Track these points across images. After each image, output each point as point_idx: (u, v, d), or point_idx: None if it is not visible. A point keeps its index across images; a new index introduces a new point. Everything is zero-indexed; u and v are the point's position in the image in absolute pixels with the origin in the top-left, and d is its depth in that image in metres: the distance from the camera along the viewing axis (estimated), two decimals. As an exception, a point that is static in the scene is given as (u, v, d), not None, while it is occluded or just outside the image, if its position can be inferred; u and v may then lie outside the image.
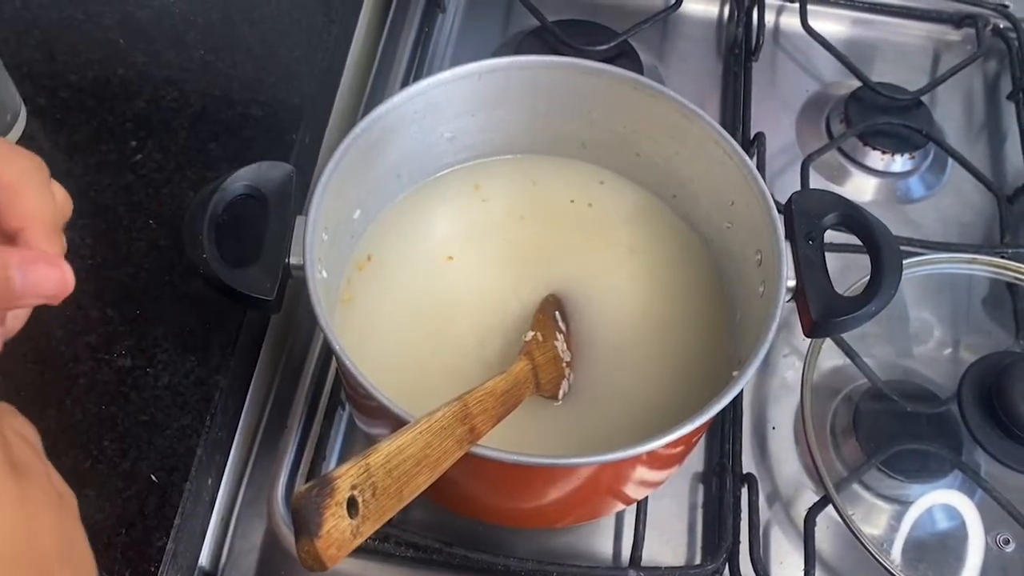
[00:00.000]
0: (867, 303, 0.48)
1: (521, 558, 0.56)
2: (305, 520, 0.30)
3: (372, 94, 0.79)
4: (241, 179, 0.49)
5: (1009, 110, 0.82)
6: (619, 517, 0.60)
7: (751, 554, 0.57)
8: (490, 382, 0.44)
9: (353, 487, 0.32)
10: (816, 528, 0.58)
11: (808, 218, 0.51)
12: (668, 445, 0.44)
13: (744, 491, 0.60)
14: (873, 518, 0.61)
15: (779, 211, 0.51)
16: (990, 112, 0.84)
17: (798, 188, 0.73)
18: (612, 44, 0.78)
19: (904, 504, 0.61)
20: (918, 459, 0.61)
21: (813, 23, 0.82)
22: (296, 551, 0.30)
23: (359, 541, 0.32)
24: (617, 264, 0.60)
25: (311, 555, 0.30)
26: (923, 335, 0.69)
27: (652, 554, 0.58)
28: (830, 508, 0.59)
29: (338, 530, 0.30)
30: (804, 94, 0.83)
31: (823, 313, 0.48)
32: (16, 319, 0.36)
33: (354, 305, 0.57)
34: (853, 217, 0.51)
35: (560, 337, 0.54)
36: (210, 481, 0.56)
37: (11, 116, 0.61)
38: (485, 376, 0.46)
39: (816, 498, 0.60)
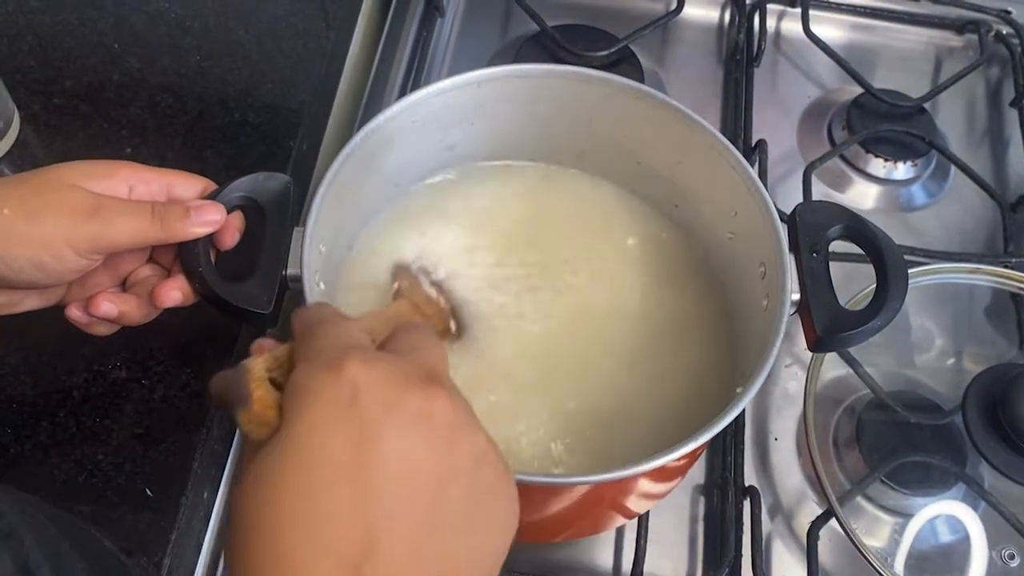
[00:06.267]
0: (872, 318, 0.47)
1: (522, 572, 0.56)
2: (236, 392, 0.32)
3: (370, 100, 0.78)
4: (238, 190, 0.49)
5: (1012, 117, 0.82)
6: (620, 530, 0.60)
7: (753, 568, 0.57)
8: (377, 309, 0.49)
9: (268, 370, 0.33)
10: (819, 541, 0.58)
11: (812, 230, 0.50)
12: (671, 461, 0.43)
13: (746, 504, 0.59)
14: (876, 531, 0.61)
15: (782, 222, 0.51)
16: (993, 119, 0.83)
17: (800, 196, 0.72)
18: (612, 50, 0.77)
19: (907, 516, 0.61)
20: (922, 471, 0.61)
21: (815, 29, 0.81)
22: (237, 422, 0.32)
23: None
24: (618, 275, 0.59)
25: (251, 421, 0.31)
26: (926, 345, 0.69)
27: (653, 568, 0.58)
28: (833, 521, 0.58)
29: (269, 396, 0.32)
30: (806, 100, 0.82)
31: (828, 328, 0.47)
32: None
33: (353, 315, 0.56)
34: (858, 230, 0.51)
35: (427, 284, 0.56)
36: (206, 495, 0.55)
37: (4, 123, 0.61)
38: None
39: (819, 511, 0.60)
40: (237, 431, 0.59)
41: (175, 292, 0.46)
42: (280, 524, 0.27)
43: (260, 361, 0.33)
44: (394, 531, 0.28)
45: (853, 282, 0.63)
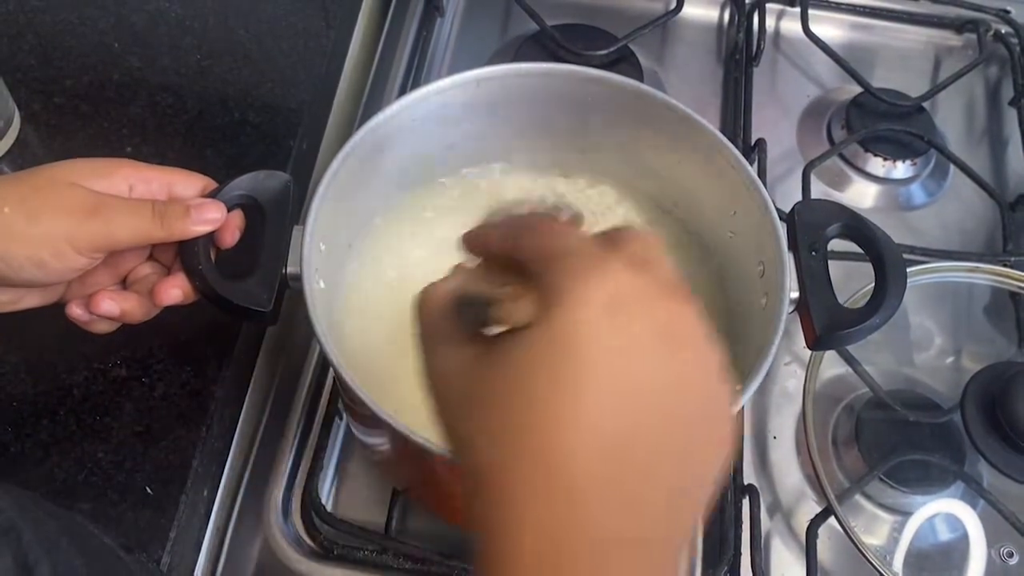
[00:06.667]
0: (871, 316, 0.47)
1: (520, 570, 0.56)
2: (482, 292, 0.32)
3: (370, 99, 0.78)
4: (238, 188, 0.49)
5: (1011, 116, 0.82)
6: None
7: (752, 566, 0.57)
8: None
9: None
10: (817, 539, 0.58)
11: (811, 229, 0.50)
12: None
13: (745, 502, 0.59)
14: (875, 529, 0.61)
15: (782, 221, 0.51)
16: (992, 118, 0.83)
17: (799, 195, 0.73)
18: (612, 49, 0.77)
19: (906, 515, 0.61)
20: (921, 469, 0.61)
21: (814, 28, 0.81)
22: (484, 315, 0.31)
23: None
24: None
25: (501, 312, 0.31)
26: (925, 343, 0.69)
27: (652, 566, 0.58)
28: (832, 519, 0.58)
29: (519, 290, 0.31)
30: (805, 100, 0.83)
31: (826, 326, 0.47)
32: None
33: (353, 314, 0.56)
34: (857, 228, 0.51)
35: None
36: (206, 492, 0.55)
37: (5, 122, 0.61)
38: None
39: (818, 509, 0.60)
40: (236, 429, 0.59)
41: (175, 290, 0.46)
42: (541, 412, 0.27)
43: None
44: (642, 446, 0.28)
45: (852, 281, 0.63)
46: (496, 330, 0.31)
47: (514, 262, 0.32)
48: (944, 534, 0.60)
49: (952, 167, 0.77)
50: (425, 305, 0.35)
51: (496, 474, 0.28)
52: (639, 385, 0.28)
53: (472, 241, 0.36)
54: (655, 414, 0.28)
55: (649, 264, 0.31)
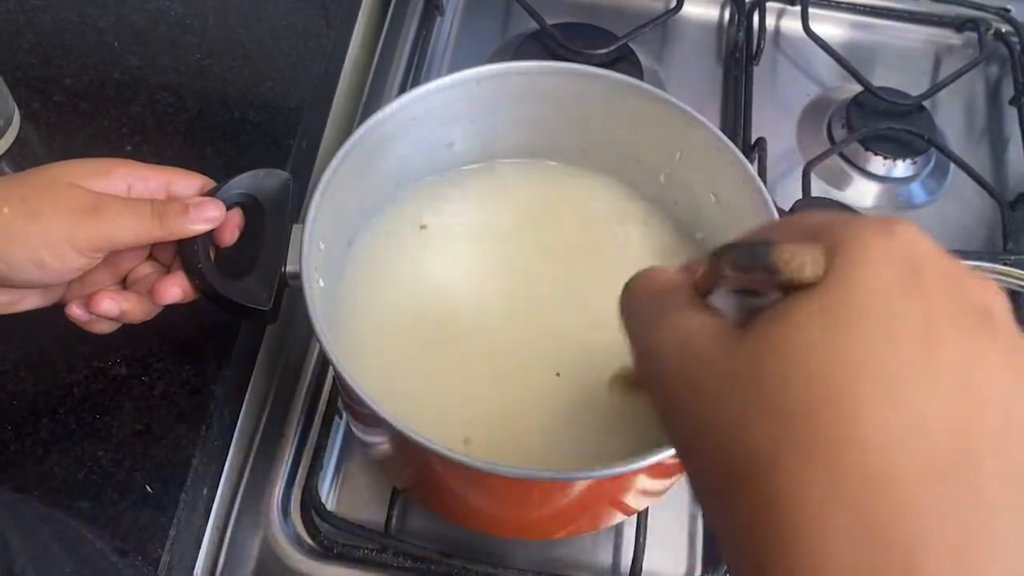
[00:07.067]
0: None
1: (521, 569, 0.56)
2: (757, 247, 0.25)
3: (370, 98, 0.78)
4: (237, 187, 0.49)
5: (1011, 115, 0.82)
6: (619, 527, 0.60)
7: (752, 565, 0.57)
8: None
9: None
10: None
11: (811, 227, 0.50)
12: (671, 457, 0.43)
13: (745, 501, 0.59)
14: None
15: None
16: (992, 117, 0.83)
17: (799, 193, 0.72)
18: (612, 48, 0.77)
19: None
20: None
21: (814, 27, 0.81)
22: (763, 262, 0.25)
23: None
24: (617, 271, 0.59)
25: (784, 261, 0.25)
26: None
27: (652, 565, 0.58)
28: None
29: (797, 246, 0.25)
30: (805, 99, 0.82)
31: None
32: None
33: (353, 314, 0.56)
34: (856, 226, 0.50)
35: None
36: (206, 491, 0.55)
37: (5, 121, 0.61)
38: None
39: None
40: (236, 427, 0.59)
41: (175, 289, 0.46)
42: (848, 394, 0.21)
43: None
44: (983, 458, 0.21)
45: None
46: (755, 302, 0.25)
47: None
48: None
49: (952, 166, 0.77)
50: (645, 278, 0.30)
51: (789, 466, 0.21)
52: (972, 373, 0.22)
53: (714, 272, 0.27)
54: (995, 414, 0.22)
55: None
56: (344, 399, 0.58)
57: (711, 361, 0.25)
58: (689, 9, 0.83)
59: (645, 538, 0.57)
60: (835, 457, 0.21)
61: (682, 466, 0.28)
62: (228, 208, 0.48)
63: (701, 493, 0.26)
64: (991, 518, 0.21)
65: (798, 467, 0.21)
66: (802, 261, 0.23)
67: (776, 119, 0.80)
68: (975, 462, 0.21)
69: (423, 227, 0.60)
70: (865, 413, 0.21)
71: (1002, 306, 0.24)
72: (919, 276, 0.23)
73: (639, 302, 0.29)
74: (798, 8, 0.83)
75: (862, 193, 0.77)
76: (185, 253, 0.46)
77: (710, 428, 0.24)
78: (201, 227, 0.45)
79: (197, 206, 0.45)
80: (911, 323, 0.22)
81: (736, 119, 0.78)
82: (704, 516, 0.26)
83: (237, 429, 0.59)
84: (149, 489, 0.51)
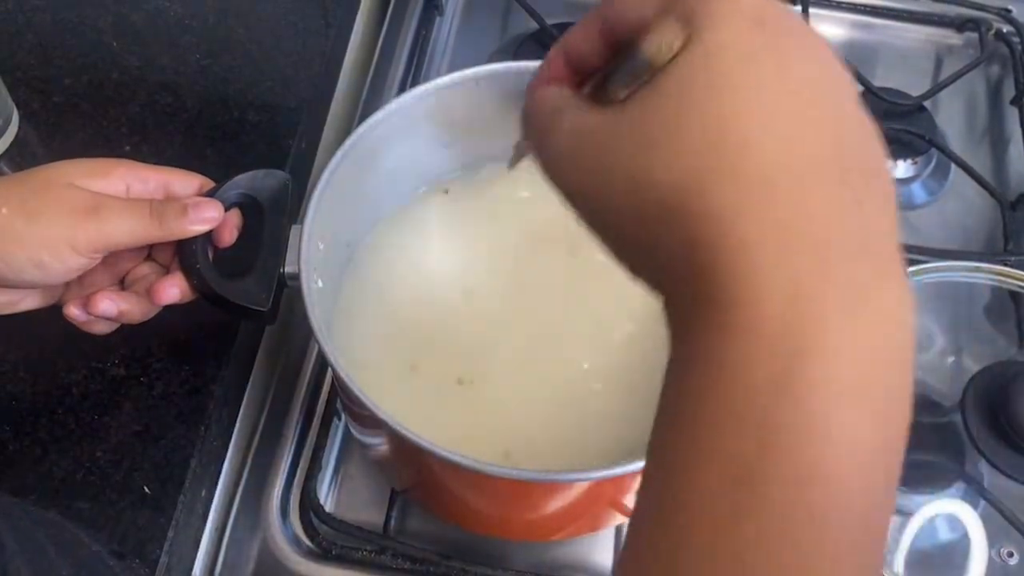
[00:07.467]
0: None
1: (520, 570, 0.56)
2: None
3: (369, 98, 0.78)
4: (236, 187, 0.49)
5: (1012, 115, 0.81)
6: (619, 529, 0.60)
7: (752, 566, 0.57)
8: None
9: None
10: (818, 540, 0.58)
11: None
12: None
13: (745, 502, 0.59)
14: (875, 529, 0.61)
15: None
16: (993, 117, 0.83)
17: (799, 194, 0.72)
18: (612, 48, 0.77)
19: (907, 515, 0.60)
20: (921, 470, 0.61)
21: (815, 27, 0.81)
22: (638, 50, 0.29)
23: None
24: (614, 272, 0.59)
25: (651, 44, 0.29)
26: (925, 343, 0.69)
27: (652, 566, 0.57)
28: (832, 519, 0.58)
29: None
30: (806, 99, 0.82)
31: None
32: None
33: (352, 314, 0.56)
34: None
35: None
36: (204, 492, 0.55)
37: (4, 121, 0.61)
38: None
39: (818, 509, 0.59)
40: (235, 428, 0.59)
41: (173, 289, 0.46)
42: (747, 125, 0.26)
43: None
44: (830, 140, 0.26)
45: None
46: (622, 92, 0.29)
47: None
48: (945, 534, 0.60)
49: (953, 166, 0.77)
50: (536, 99, 0.33)
51: (711, 204, 0.26)
52: (815, 84, 0.27)
53: (554, 63, 0.34)
54: (830, 111, 0.27)
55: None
56: (343, 400, 0.58)
57: (612, 124, 0.28)
58: (689, 9, 0.83)
59: (645, 539, 0.57)
60: (740, 170, 0.26)
61: (603, 241, 0.32)
62: (227, 208, 0.48)
63: (625, 254, 0.31)
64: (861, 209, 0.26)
65: (719, 187, 0.26)
66: (670, 44, 0.27)
67: (776, 119, 0.80)
68: (839, 154, 0.26)
69: (423, 227, 0.60)
70: (754, 136, 0.26)
71: (824, 42, 0.29)
72: (763, 24, 0.27)
73: (535, 120, 0.33)
74: (799, 7, 0.83)
75: (862, 193, 0.77)
76: (184, 253, 0.46)
77: (623, 184, 0.28)
78: (200, 227, 0.45)
79: (196, 206, 0.45)
80: (767, 61, 0.27)
81: (736, 119, 0.78)
82: (632, 273, 0.31)
83: (236, 430, 0.59)
84: (147, 490, 0.51)
